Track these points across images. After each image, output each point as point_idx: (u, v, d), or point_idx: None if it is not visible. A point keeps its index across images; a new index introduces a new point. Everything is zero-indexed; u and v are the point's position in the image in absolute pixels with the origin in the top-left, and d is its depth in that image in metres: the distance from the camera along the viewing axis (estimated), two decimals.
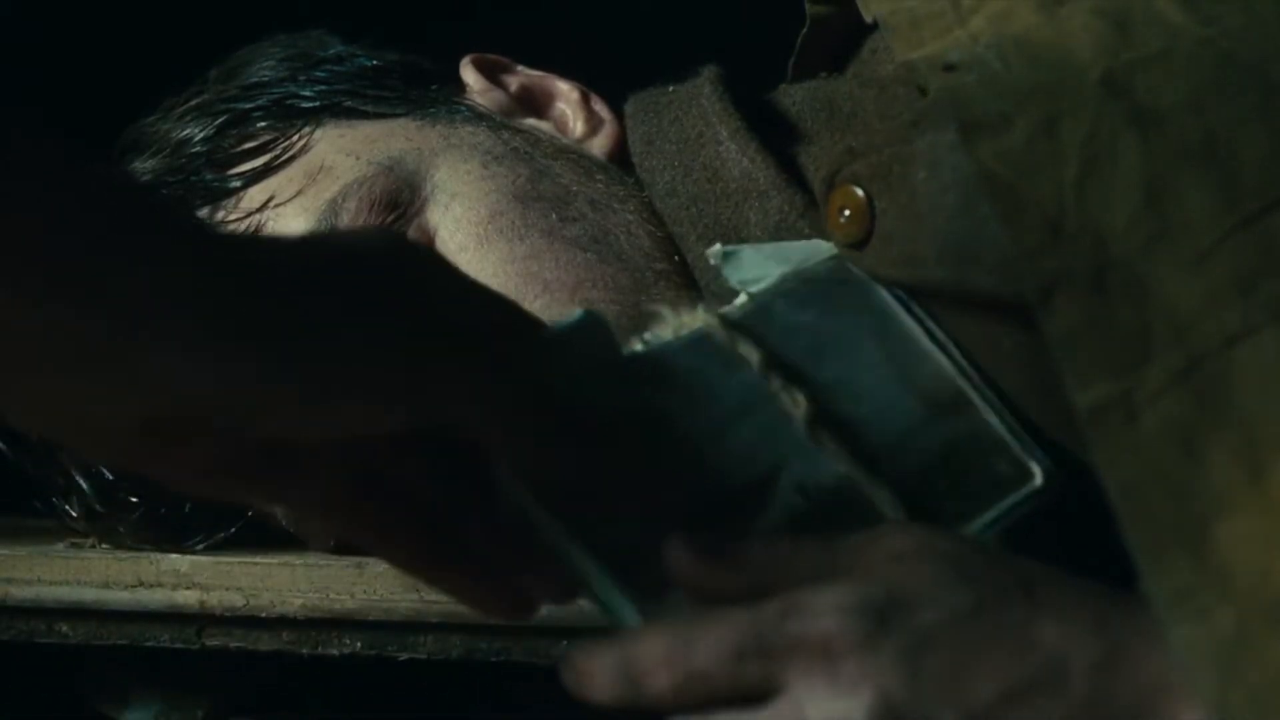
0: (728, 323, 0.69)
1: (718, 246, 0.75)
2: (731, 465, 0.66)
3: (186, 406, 0.55)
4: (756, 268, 0.73)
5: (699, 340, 0.69)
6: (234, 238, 0.68)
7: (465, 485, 0.64)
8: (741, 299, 0.71)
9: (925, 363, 0.70)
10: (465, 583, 0.65)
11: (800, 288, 0.72)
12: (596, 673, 0.61)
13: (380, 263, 0.59)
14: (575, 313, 0.66)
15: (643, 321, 0.70)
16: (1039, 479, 0.68)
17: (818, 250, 0.73)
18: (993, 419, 0.69)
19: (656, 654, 0.60)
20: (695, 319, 0.69)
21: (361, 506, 0.63)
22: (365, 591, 0.74)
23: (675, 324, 0.68)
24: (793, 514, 0.65)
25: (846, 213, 0.75)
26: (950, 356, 0.70)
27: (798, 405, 0.67)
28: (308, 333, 0.56)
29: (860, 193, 0.74)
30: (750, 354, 0.68)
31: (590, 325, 0.66)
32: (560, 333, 0.65)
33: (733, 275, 0.73)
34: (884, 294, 0.71)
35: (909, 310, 0.71)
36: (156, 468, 0.59)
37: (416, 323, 0.59)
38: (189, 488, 0.61)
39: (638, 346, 0.68)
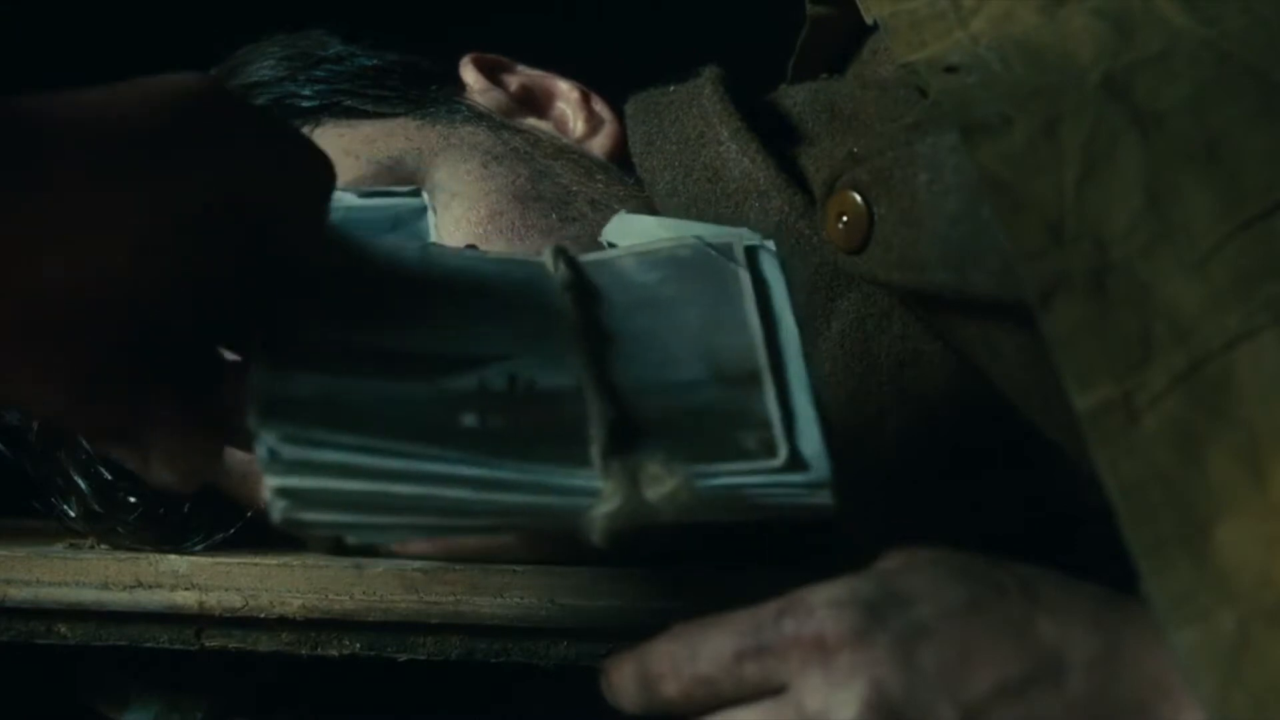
0: (565, 257, 0.68)
1: (622, 211, 0.75)
2: (456, 338, 0.65)
3: None
4: (641, 236, 0.72)
5: (521, 261, 0.69)
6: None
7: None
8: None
9: (738, 338, 0.67)
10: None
11: (658, 253, 0.70)
12: (620, 682, 0.64)
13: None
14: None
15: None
16: (780, 459, 0.63)
17: (730, 235, 0.71)
18: (771, 403, 0.65)
19: (664, 661, 0.62)
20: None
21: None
22: (364, 592, 0.74)
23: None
24: (484, 389, 0.63)
25: (845, 219, 0.75)
26: (774, 343, 0.67)
27: (572, 314, 0.66)
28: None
29: (859, 199, 0.74)
30: (561, 273, 0.68)
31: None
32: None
33: (609, 234, 0.73)
34: (745, 279, 0.69)
35: (768, 295, 0.68)
36: None
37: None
38: None
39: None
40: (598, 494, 0.61)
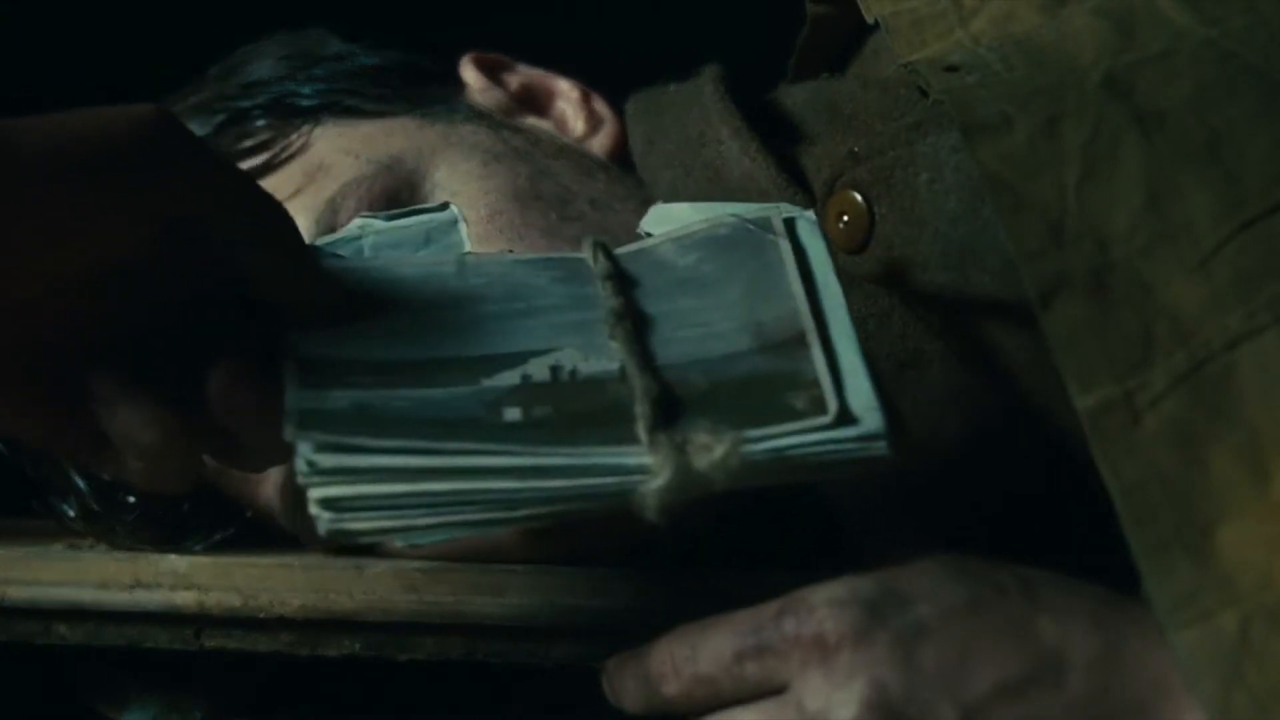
0: (603, 249, 0.69)
1: (659, 203, 0.75)
2: (497, 340, 0.65)
3: None
4: (677, 223, 0.72)
5: (560, 258, 0.69)
6: None
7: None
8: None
9: (780, 304, 0.66)
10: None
11: (696, 235, 0.70)
12: (621, 682, 0.64)
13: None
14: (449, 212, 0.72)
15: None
16: (829, 415, 0.61)
17: (767, 209, 0.71)
18: (819, 362, 0.63)
19: (665, 661, 0.62)
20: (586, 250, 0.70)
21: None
22: (364, 592, 0.74)
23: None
24: (526, 382, 0.63)
25: (846, 219, 0.75)
26: (817, 306, 0.66)
27: (612, 301, 0.66)
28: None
29: (859, 198, 0.74)
30: (601, 265, 0.68)
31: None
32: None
33: (646, 225, 0.73)
34: (784, 247, 0.68)
35: (807, 260, 0.68)
36: None
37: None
38: None
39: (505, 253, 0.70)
40: (647, 470, 0.60)
